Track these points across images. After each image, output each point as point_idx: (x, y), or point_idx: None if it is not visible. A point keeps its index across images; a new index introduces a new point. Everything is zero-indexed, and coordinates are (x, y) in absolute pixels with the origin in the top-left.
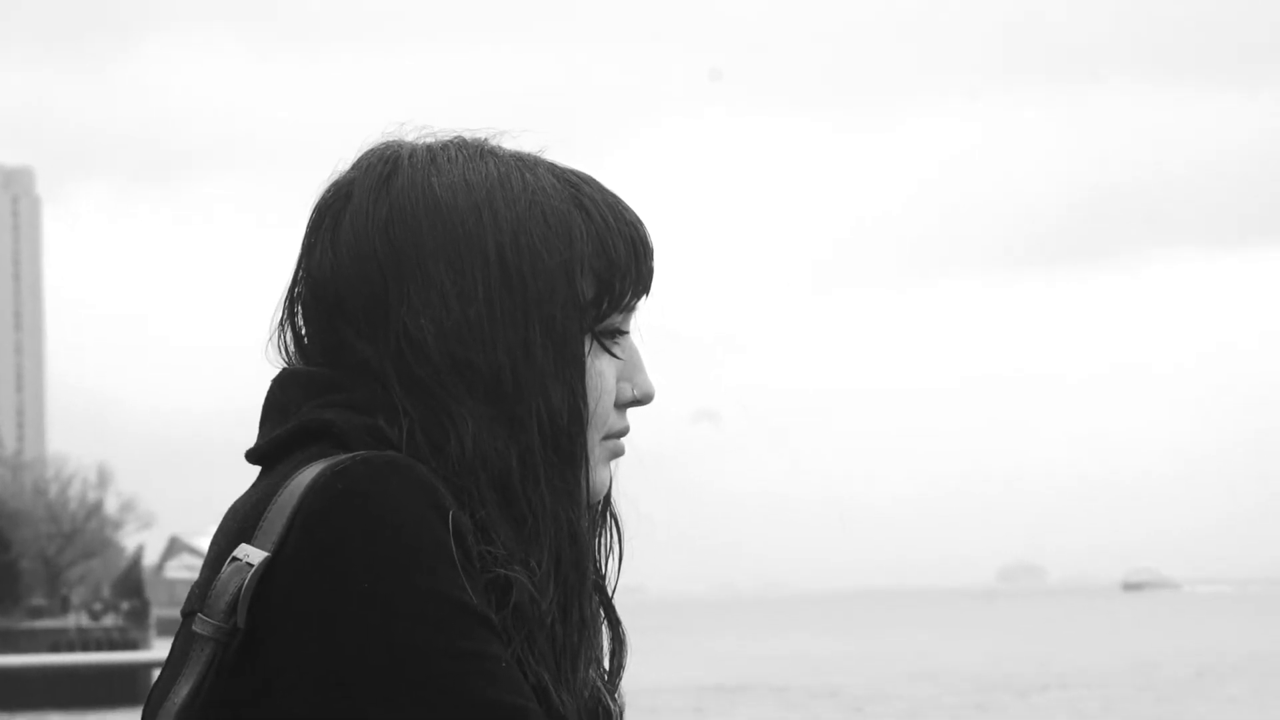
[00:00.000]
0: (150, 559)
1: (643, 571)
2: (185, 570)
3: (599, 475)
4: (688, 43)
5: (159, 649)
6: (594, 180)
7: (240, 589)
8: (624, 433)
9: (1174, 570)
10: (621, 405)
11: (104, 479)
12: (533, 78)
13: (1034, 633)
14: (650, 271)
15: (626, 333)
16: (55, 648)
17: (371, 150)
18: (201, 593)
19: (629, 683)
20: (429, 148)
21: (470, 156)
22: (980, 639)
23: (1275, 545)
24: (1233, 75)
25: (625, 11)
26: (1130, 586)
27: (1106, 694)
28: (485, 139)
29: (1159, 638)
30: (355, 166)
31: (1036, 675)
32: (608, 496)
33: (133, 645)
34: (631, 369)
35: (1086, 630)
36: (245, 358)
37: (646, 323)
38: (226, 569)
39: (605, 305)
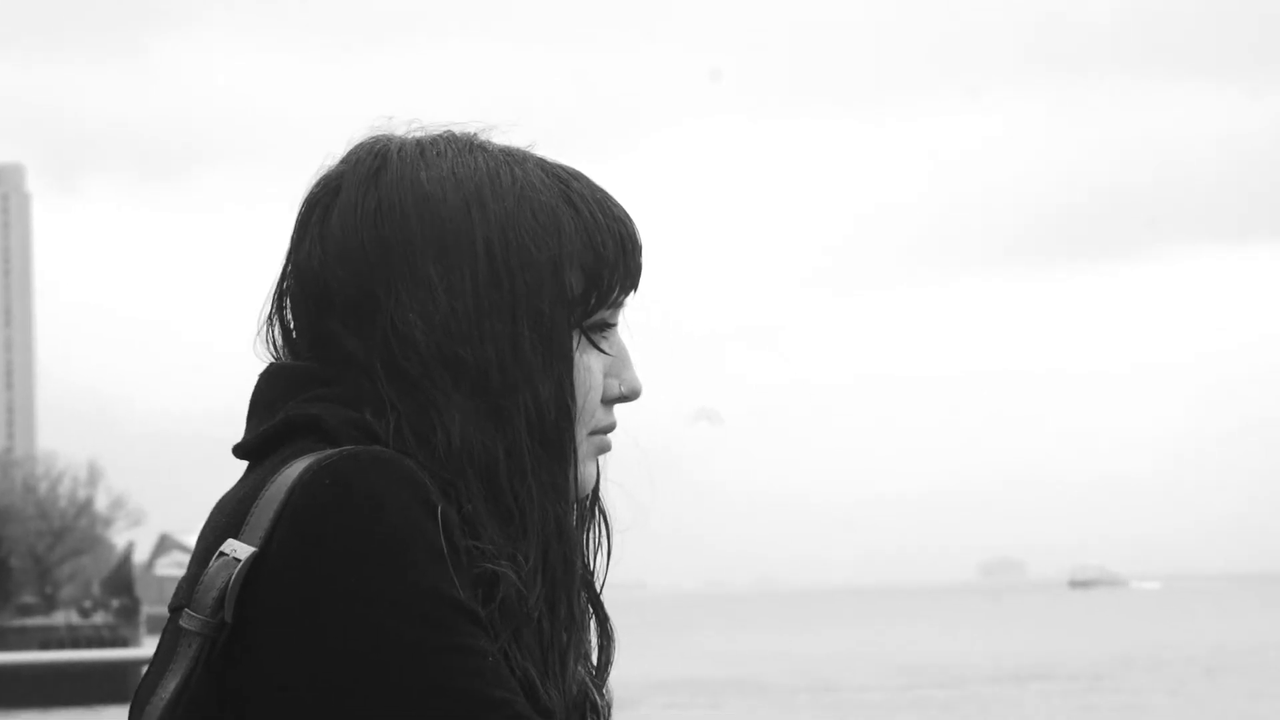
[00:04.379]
0: (140, 556)
1: (642, 568)
2: (175, 568)
3: (586, 470)
4: (696, 42)
5: (149, 647)
6: (583, 176)
7: (227, 584)
8: (610, 429)
9: (1122, 567)
10: (608, 401)
11: (94, 476)
12: (543, 77)
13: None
14: (638, 267)
15: (614, 327)
16: (45, 645)
17: (360, 144)
18: (188, 588)
19: (616, 678)
20: (418, 142)
21: (459, 151)
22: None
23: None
24: (1240, 74)
25: (633, 12)
26: (1077, 584)
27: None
28: (474, 134)
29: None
30: (344, 160)
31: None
32: (596, 491)
33: (123, 643)
34: (619, 365)
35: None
36: (237, 354)
37: (640, 320)
38: (213, 564)
39: (593, 301)
